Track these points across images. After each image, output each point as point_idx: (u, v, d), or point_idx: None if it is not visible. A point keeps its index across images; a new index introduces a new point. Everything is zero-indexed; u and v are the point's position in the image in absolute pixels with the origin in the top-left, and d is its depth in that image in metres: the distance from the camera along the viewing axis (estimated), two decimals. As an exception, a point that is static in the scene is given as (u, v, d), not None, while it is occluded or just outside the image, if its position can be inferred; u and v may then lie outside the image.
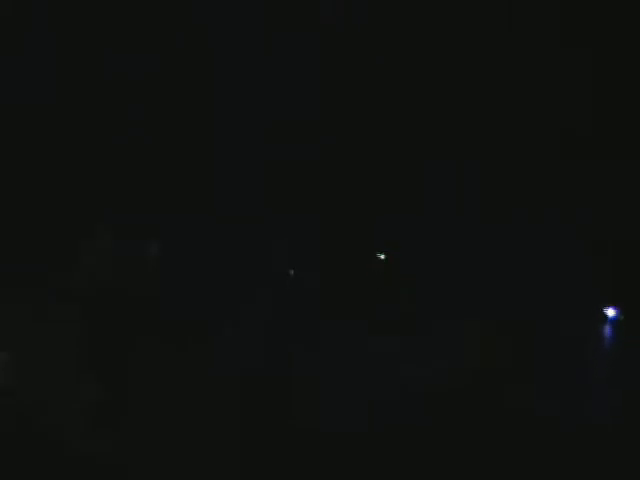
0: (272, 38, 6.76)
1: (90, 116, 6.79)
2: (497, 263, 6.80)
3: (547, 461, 4.71)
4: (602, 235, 6.74)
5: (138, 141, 6.76)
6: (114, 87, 6.75)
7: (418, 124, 6.84)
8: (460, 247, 6.80)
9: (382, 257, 6.77)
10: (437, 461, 4.70)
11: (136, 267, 5.93)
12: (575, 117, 6.80)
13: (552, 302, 6.72)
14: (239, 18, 6.74)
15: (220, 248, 6.63)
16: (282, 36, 6.75)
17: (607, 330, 6.81)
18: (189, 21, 6.77)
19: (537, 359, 6.22)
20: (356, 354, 6.16)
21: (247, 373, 5.55)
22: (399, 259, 6.86)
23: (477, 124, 6.86)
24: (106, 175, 6.73)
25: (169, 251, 6.58)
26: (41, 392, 5.28)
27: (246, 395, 5.37)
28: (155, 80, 6.74)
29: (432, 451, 4.80)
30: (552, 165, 6.86)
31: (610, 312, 6.86)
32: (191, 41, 6.75)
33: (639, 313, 6.65)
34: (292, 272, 6.56)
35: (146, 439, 4.88)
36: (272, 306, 6.25)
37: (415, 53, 6.79)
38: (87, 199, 6.73)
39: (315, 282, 6.56)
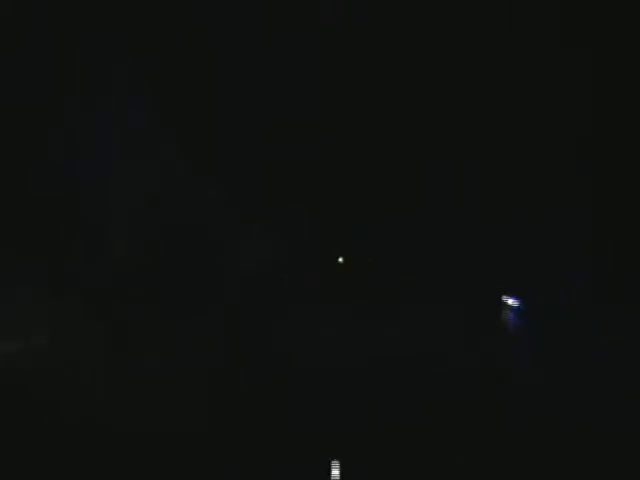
0: (272, 38, 6.76)
1: (90, 116, 6.79)
2: (495, 261, 6.80)
3: (545, 460, 4.71)
4: (602, 235, 6.73)
5: (139, 140, 6.76)
6: (113, 87, 6.76)
7: (418, 124, 6.83)
8: (458, 246, 6.79)
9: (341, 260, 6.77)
10: (435, 460, 4.69)
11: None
12: (575, 117, 6.79)
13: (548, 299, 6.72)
14: (239, 18, 6.74)
15: (218, 246, 6.64)
16: (282, 36, 6.75)
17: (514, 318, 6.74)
18: (189, 21, 6.77)
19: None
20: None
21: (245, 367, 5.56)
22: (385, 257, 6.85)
23: (477, 124, 6.86)
24: (106, 176, 6.74)
25: (169, 250, 6.59)
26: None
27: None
28: (155, 80, 6.74)
29: (431, 451, 4.79)
30: (552, 165, 6.85)
31: (510, 301, 6.75)
32: (191, 41, 6.75)
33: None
34: (287, 274, 6.56)
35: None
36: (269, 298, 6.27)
37: (415, 53, 6.79)
38: (88, 197, 6.73)
39: (314, 280, 6.56)
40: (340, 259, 6.66)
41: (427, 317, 6.59)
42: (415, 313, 6.62)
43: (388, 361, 6.12)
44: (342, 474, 4.52)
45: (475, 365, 6.09)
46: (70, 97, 6.78)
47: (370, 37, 6.77)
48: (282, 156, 6.75)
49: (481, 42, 6.76)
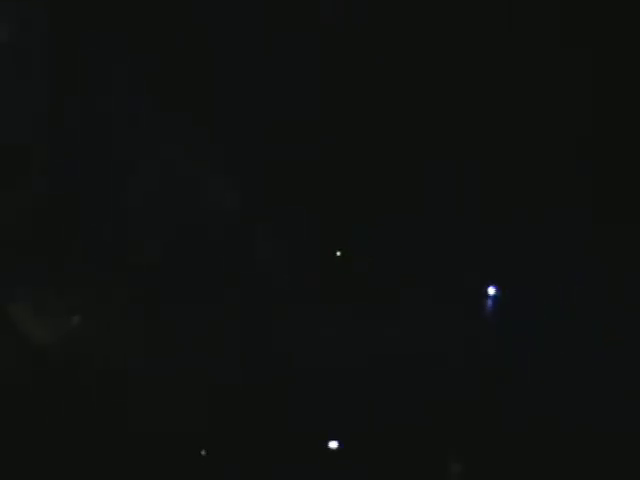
0: (272, 38, 6.76)
1: (90, 117, 6.80)
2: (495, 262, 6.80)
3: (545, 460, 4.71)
4: (602, 235, 6.73)
5: (139, 140, 6.77)
6: (113, 87, 6.76)
7: (418, 124, 6.84)
8: (458, 246, 6.80)
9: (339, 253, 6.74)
10: (435, 461, 4.69)
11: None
12: (575, 117, 6.80)
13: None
14: (239, 18, 6.75)
15: (218, 247, 6.64)
16: (282, 36, 6.76)
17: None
18: (189, 21, 6.78)
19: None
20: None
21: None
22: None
23: (477, 124, 6.86)
24: (105, 177, 6.74)
25: (169, 250, 6.60)
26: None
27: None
28: (155, 80, 6.75)
29: (431, 451, 4.80)
30: (552, 165, 6.86)
31: (491, 291, 6.69)
32: (191, 41, 6.76)
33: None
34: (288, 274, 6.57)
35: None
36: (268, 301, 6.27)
37: (415, 53, 6.80)
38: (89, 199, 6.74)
39: (314, 280, 6.56)
40: (338, 253, 6.66)
41: (427, 317, 6.59)
42: (415, 313, 6.62)
43: (388, 361, 6.13)
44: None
45: (475, 365, 6.09)
46: (70, 97, 6.79)
47: (370, 37, 6.77)
48: (282, 156, 6.75)
49: (481, 42, 6.77)
